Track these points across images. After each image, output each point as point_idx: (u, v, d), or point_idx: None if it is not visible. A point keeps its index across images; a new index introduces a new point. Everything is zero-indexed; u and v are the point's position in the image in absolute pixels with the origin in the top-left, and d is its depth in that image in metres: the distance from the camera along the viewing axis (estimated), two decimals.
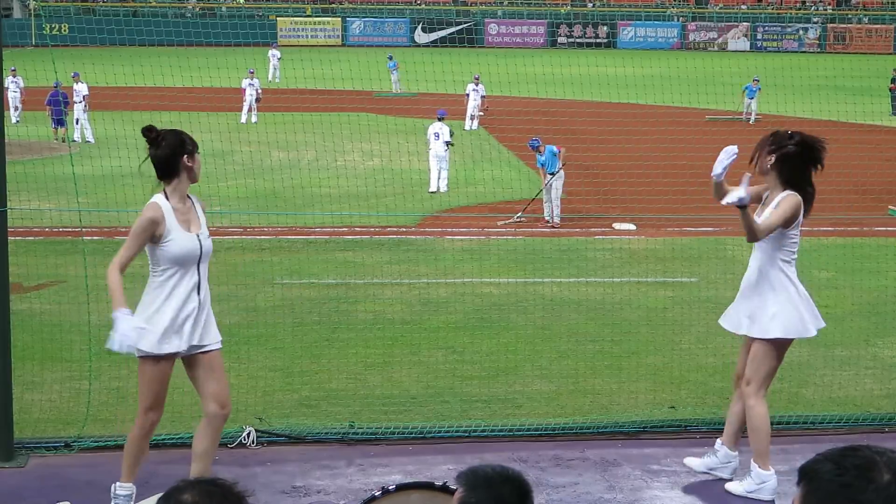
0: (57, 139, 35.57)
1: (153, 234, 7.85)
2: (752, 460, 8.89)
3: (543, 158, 24.09)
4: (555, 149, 24.13)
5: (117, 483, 8.24)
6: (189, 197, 8.08)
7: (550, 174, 23.81)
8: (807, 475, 3.18)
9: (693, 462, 9.24)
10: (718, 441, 9.19)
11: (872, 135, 35.87)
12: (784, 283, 8.70)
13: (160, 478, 8.95)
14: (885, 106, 44.61)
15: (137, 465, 8.25)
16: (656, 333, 14.44)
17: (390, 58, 50.88)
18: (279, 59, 57.65)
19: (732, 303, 9.04)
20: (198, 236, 7.96)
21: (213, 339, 8.14)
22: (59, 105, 35.41)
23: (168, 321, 7.88)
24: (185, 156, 7.97)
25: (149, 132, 8.03)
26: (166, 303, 7.90)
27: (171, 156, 7.95)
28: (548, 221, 23.52)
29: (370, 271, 17.96)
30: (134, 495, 8.26)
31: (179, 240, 7.89)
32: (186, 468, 8.22)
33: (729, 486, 9.03)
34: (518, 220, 23.30)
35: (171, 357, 7.99)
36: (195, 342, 8.01)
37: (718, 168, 8.52)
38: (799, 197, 8.55)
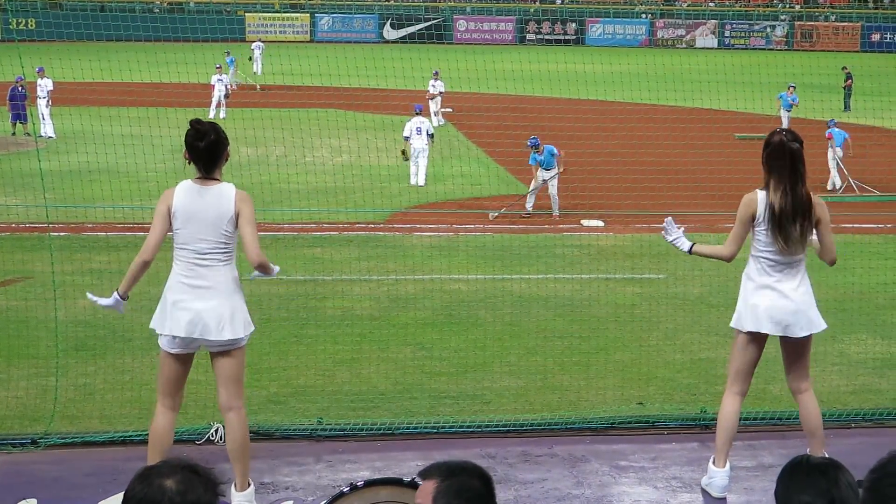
0: (14, 134, 35.38)
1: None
2: None
3: (541, 157, 24.39)
4: (554, 150, 24.73)
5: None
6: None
7: (546, 170, 24.44)
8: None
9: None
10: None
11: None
12: (747, 275, 8.74)
13: (126, 474, 8.87)
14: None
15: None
16: (624, 330, 14.48)
17: (227, 53, 51.12)
18: (262, 51, 57.84)
19: None
20: None
21: None
22: (21, 100, 35.35)
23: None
24: (228, 146, 8.18)
25: (199, 124, 8.09)
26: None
27: (223, 146, 8.08)
28: (528, 216, 23.84)
29: (339, 268, 17.94)
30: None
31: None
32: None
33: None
34: (496, 216, 23.44)
35: None
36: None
37: (673, 236, 8.80)
38: (751, 194, 8.56)
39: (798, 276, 8.69)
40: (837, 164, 28.35)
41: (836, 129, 29.14)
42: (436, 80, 40.04)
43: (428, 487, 4.20)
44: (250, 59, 58.37)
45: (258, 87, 46.06)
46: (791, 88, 37.53)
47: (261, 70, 56.08)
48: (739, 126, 34.27)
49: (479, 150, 32.88)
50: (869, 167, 28.55)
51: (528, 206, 24.54)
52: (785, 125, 35.14)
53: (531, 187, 24.67)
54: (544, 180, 24.45)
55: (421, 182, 27.36)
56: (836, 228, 21.01)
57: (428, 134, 28.00)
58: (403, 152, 28.18)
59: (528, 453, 9.63)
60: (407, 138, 28.14)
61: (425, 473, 4.27)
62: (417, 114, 28.77)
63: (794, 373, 8.91)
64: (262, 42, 61.22)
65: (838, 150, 28.56)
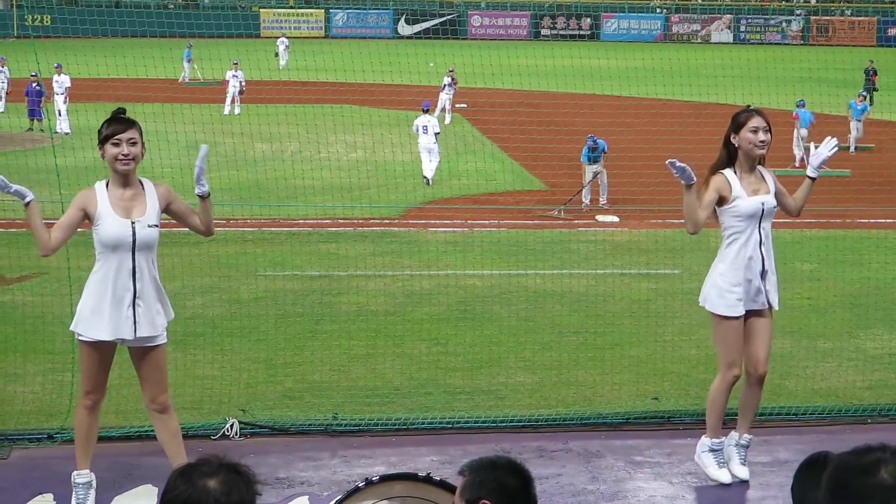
0: (31, 130, 35.57)
1: (85, 215, 7.86)
2: (749, 437, 8.97)
3: (596, 154, 24.98)
4: (605, 146, 25.37)
5: (74, 472, 8.21)
6: (141, 183, 7.99)
7: (594, 163, 24.96)
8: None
9: (745, 471, 9.05)
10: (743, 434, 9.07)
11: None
12: (722, 256, 8.78)
13: (142, 469, 8.95)
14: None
15: (89, 452, 8.19)
16: (639, 325, 14.46)
17: (190, 46, 51.02)
18: (287, 47, 57.82)
19: None
20: (132, 223, 7.80)
21: (152, 333, 7.95)
22: (37, 96, 35.60)
23: (91, 305, 7.86)
24: (99, 146, 7.96)
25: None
26: (94, 286, 7.88)
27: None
28: (588, 210, 24.30)
29: (353, 263, 17.94)
30: (94, 483, 8.22)
31: (108, 224, 7.78)
32: (167, 460, 8.20)
33: (743, 473, 8.96)
34: (559, 213, 23.64)
35: (102, 343, 7.89)
36: (127, 335, 7.85)
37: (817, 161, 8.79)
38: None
39: None
40: (800, 142, 30.23)
41: (803, 111, 31.03)
42: (452, 80, 39.95)
43: (459, 485, 4.26)
44: (276, 54, 58.37)
45: (182, 81, 47.28)
46: (861, 97, 35.30)
47: (285, 65, 55.98)
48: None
49: (493, 146, 32.85)
50: (886, 163, 28.48)
51: (586, 200, 24.79)
52: (855, 135, 34.27)
53: (585, 182, 24.98)
54: (594, 174, 24.79)
55: (429, 175, 27.16)
56: (851, 223, 21.02)
57: (434, 133, 27.89)
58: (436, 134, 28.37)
59: (543, 448, 9.63)
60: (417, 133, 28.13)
61: (460, 471, 4.32)
62: (424, 111, 28.67)
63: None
64: (287, 38, 61.18)
65: (803, 130, 30.38)
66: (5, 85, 40.49)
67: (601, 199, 24.86)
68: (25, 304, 14.75)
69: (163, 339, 8.04)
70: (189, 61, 50.03)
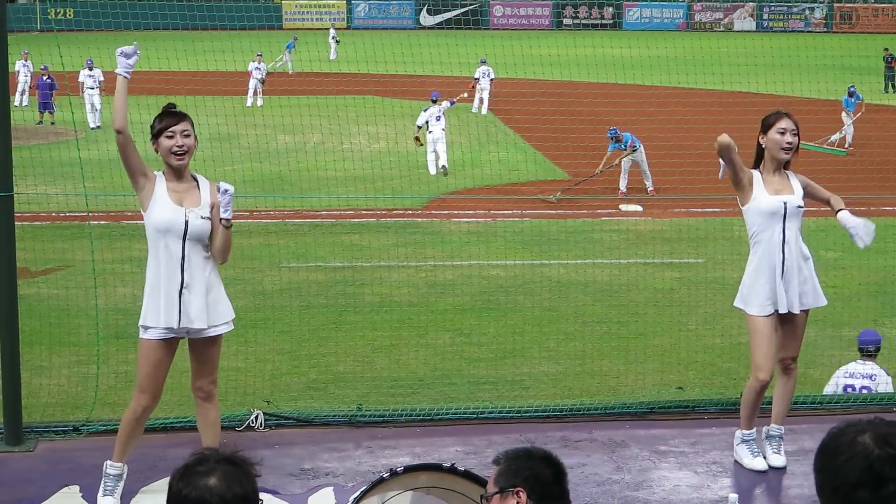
0: (41, 123, 35.83)
1: (140, 187, 7.83)
2: (781, 428, 8.95)
3: (619, 145, 25.47)
4: (630, 138, 25.70)
5: (108, 462, 8.24)
6: (195, 178, 7.99)
7: (623, 149, 25.48)
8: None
9: (779, 460, 9.05)
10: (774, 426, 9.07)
11: (878, 114, 35.80)
12: (751, 256, 8.76)
13: (169, 461, 8.96)
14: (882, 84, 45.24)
15: (129, 448, 8.23)
16: (663, 315, 14.45)
17: (295, 39, 51.24)
18: (334, 36, 57.82)
19: None
20: (185, 212, 7.77)
21: (206, 324, 7.89)
22: (48, 89, 36.04)
23: (148, 294, 7.86)
24: (152, 140, 7.94)
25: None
26: (149, 280, 7.87)
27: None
28: (624, 193, 24.76)
29: (377, 254, 17.96)
30: (125, 475, 8.26)
31: (160, 210, 7.75)
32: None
33: (776, 462, 8.96)
34: (556, 199, 23.69)
35: (160, 340, 7.86)
36: (177, 324, 7.81)
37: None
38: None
39: None
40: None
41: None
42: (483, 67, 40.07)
43: (494, 473, 4.31)
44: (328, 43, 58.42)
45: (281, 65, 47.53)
46: None
47: (335, 56, 55.73)
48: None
49: (516, 136, 32.82)
50: None
51: (623, 186, 25.10)
52: None
53: (622, 169, 25.42)
54: (632, 161, 25.26)
55: (444, 163, 27.20)
56: (875, 211, 20.96)
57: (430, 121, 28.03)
58: (417, 139, 28.20)
59: (568, 438, 9.62)
60: (420, 127, 28.07)
61: (495, 459, 4.37)
62: (434, 101, 28.66)
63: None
64: (335, 29, 61.09)
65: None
66: (28, 79, 40.73)
67: (647, 186, 25.09)
68: (50, 296, 14.82)
69: (219, 331, 8.02)
70: (290, 51, 50.24)
